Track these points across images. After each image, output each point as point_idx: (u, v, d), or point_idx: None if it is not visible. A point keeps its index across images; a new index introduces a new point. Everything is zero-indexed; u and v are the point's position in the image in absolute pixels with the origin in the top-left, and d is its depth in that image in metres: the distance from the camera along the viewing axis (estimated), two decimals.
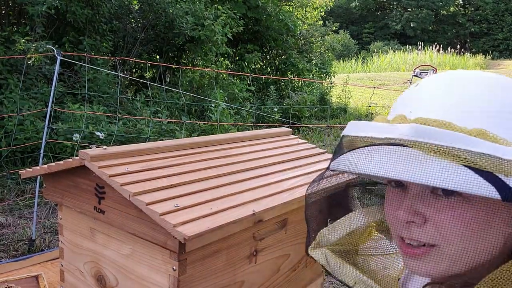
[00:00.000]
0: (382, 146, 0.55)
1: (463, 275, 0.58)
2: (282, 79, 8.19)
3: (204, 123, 5.52)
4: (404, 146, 0.52)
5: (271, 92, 7.40)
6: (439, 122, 0.53)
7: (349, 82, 9.75)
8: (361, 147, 0.58)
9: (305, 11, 9.91)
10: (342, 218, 0.73)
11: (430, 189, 0.56)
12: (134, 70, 7.00)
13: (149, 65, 6.25)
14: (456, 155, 0.49)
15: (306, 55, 9.30)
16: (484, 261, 0.56)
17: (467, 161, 0.49)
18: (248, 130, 5.76)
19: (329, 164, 0.67)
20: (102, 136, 4.24)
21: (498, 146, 0.49)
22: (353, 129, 0.61)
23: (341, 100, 9.36)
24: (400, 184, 0.59)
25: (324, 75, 9.50)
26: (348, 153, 0.60)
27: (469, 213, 0.53)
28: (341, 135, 0.64)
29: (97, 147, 0.96)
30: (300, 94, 8.22)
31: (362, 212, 0.74)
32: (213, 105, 5.73)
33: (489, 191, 0.47)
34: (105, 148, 0.94)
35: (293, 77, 8.59)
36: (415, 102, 0.58)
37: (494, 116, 0.53)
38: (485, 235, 0.54)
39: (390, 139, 0.54)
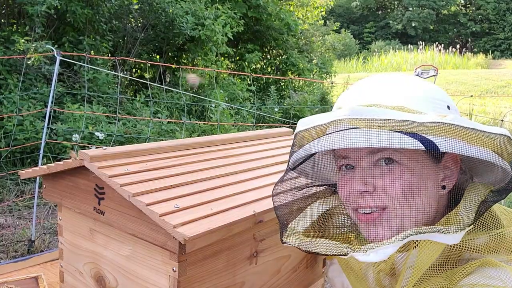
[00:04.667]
0: (330, 133, 0.67)
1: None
2: (283, 79, 8.19)
3: (204, 123, 5.51)
4: (347, 129, 0.65)
5: (272, 92, 7.39)
6: (368, 105, 0.69)
7: (350, 82, 9.74)
8: (313, 140, 0.71)
9: (306, 10, 9.90)
10: (305, 210, 0.86)
11: (373, 163, 0.70)
12: (134, 70, 7.00)
13: (149, 65, 6.24)
14: (385, 125, 0.63)
15: (306, 54, 9.30)
16: (425, 219, 0.69)
17: (394, 128, 0.63)
18: (249, 130, 5.76)
19: (288, 164, 0.81)
20: (102, 136, 4.24)
21: (414, 115, 0.63)
22: (303, 124, 0.73)
23: None
24: (350, 167, 0.74)
25: (325, 75, 9.49)
26: (303, 147, 0.73)
27: (406, 174, 0.68)
28: (294, 134, 0.76)
29: (96, 148, 0.96)
30: (300, 94, 8.22)
31: (320, 202, 0.87)
32: (213, 105, 5.73)
33: (415, 144, 0.61)
34: (104, 149, 0.94)
35: (294, 77, 8.58)
36: (347, 99, 0.76)
37: (410, 97, 0.70)
38: (421, 190, 0.68)
39: (333, 121, 0.66)
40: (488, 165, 0.69)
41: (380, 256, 0.64)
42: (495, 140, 0.63)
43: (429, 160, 0.70)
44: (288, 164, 0.81)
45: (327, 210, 0.87)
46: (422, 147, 0.62)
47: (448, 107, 0.73)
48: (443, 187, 0.72)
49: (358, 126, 0.64)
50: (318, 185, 0.90)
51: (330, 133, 0.67)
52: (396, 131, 0.62)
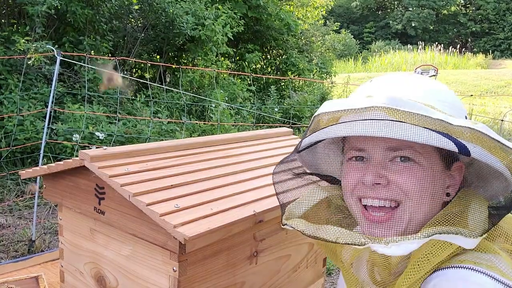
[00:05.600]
0: (352, 121, 0.65)
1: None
2: (283, 79, 8.18)
3: (204, 123, 5.52)
4: (373, 119, 0.64)
5: (272, 92, 7.39)
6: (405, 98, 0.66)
7: (350, 82, 9.75)
8: (333, 125, 0.69)
9: (306, 10, 9.90)
10: (304, 194, 0.84)
11: (389, 158, 0.70)
12: (134, 70, 7.00)
13: (149, 65, 6.24)
14: (421, 121, 0.62)
15: (306, 54, 9.30)
16: (427, 222, 0.68)
17: (429, 126, 0.62)
18: (249, 130, 5.76)
19: (300, 143, 0.78)
20: (102, 136, 4.24)
21: (447, 116, 0.64)
22: (328, 107, 0.71)
23: None
24: (360, 159, 0.73)
25: (325, 75, 9.49)
26: (323, 129, 0.70)
27: (421, 173, 0.68)
28: (314, 114, 0.73)
29: (97, 148, 0.96)
30: (300, 94, 8.22)
31: (319, 188, 0.85)
32: (213, 105, 5.73)
33: (450, 145, 0.61)
34: (105, 149, 0.94)
35: (294, 77, 8.58)
36: (375, 89, 0.74)
37: (429, 98, 0.69)
38: (432, 193, 0.68)
39: (368, 108, 0.65)
40: (495, 178, 0.70)
41: (402, 250, 0.63)
42: (510, 155, 0.64)
43: (442, 165, 0.70)
44: (299, 145, 0.79)
45: (325, 197, 0.85)
46: (456, 149, 0.62)
47: (466, 117, 0.74)
48: (447, 195, 0.72)
49: (394, 117, 0.63)
50: (318, 175, 0.88)
51: (365, 120, 0.65)
52: (432, 130, 0.62)
